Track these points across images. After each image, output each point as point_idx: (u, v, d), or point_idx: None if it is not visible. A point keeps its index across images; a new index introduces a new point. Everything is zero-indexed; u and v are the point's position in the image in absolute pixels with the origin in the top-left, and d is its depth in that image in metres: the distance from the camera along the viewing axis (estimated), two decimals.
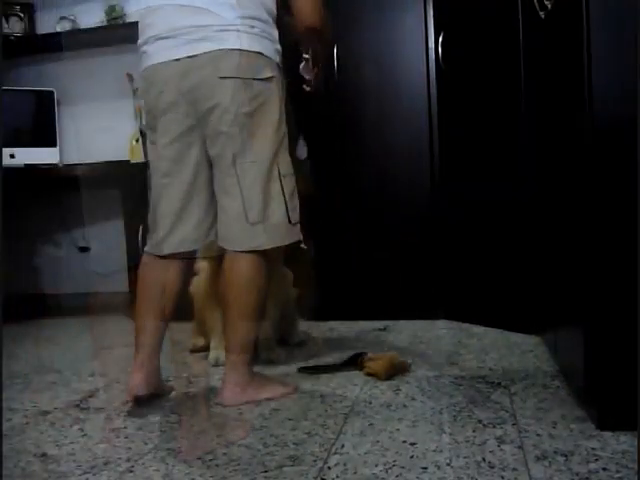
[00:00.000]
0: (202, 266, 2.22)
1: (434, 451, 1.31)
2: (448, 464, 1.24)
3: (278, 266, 2.20)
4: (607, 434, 1.34)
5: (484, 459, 1.25)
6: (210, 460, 1.33)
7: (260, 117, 1.69)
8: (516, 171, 2.39)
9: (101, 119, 3.73)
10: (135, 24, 1.83)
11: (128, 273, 3.33)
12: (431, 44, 2.73)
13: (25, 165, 3.41)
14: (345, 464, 1.27)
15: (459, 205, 2.67)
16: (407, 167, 2.78)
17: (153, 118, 1.76)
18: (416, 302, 2.76)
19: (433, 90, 2.74)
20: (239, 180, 1.68)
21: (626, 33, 1.30)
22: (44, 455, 1.42)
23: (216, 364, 2.12)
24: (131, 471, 1.30)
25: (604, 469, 1.18)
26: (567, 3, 1.46)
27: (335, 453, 1.33)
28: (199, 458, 1.35)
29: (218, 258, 1.89)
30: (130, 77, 3.55)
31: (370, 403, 1.66)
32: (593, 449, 1.27)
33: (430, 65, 2.74)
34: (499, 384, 1.75)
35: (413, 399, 1.67)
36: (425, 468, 1.23)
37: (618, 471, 1.17)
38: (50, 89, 3.61)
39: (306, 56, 1.99)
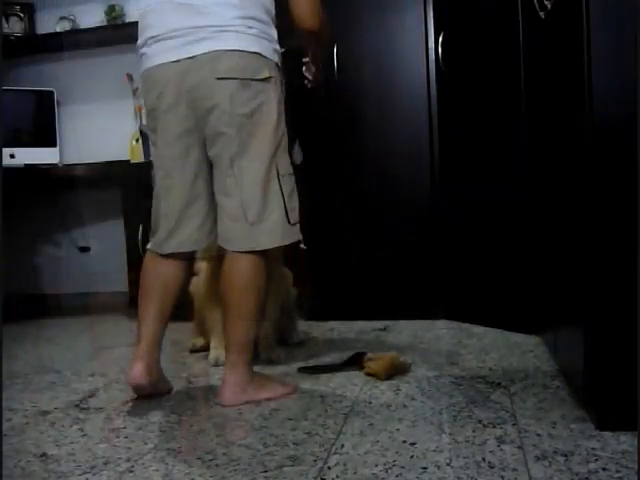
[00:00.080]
0: (202, 266, 2.22)
1: (434, 451, 1.31)
2: (448, 464, 1.24)
3: (278, 266, 2.20)
4: (607, 434, 1.34)
5: (484, 459, 1.25)
6: (210, 460, 1.33)
7: (259, 117, 1.69)
8: (516, 172, 2.39)
9: (101, 119, 3.74)
10: (135, 24, 1.84)
11: (128, 273, 3.33)
12: (431, 44, 2.73)
13: (25, 165, 3.42)
14: (345, 464, 1.27)
15: (459, 205, 2.67)
16: (407, 167, 2.78)
17: (153, 119, 1.77)
18: (416, 302, 2.76)
19: (433, 90, 2.74)
20: (238, 180, 1.69)
21: (626, 33, 1.30)
22: (44, 455, 1.42)
23: (216, 364, 2.12)
24: (131, 471, 1.30)
25: (604, 469, 1.18)
26: (567, 3, 1.46)
27: (335, 453, 1.33)
28: (199, 458, 1.35)
29: (218, 258, 1.90)
30: (130, 77, 3.55)
31: (370, 403, 1.66)
32: (593, 449, 1.27)
33: (430, 65, 2.74)
34: (499, 384, 1.75)
35: (413, 399, 1.67)
36: (425, 468, 1.23)
37: (618, 471, 1.17)
38: (50, 89, 3.62)
39: (306, 59, 2.00)
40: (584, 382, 1.43)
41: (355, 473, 1.23)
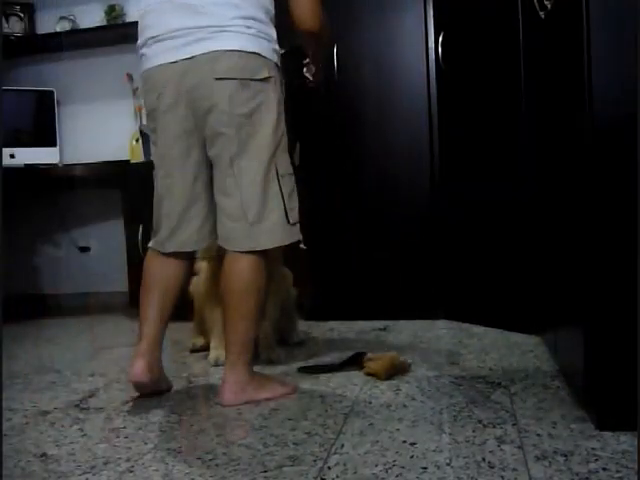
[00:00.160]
0: (202, 266, 2.22)
1: (434, 451, 1.31)
2: (448, 464, 1.24)
3: (278, 266, 2.20)
4: (607, 434, 1.34)
5: (484, 459, 1.25)
6: (210, 460, 1.33)
7: (258, 117, 1.69)
8: (516, 171, 2.39)
9: (101, 119, 3.74)
10: (135, 24, 1.84)
11: (128, 273, 3.33)
12: (431, 44, 2.73)
13: (25, 165, 3.42)
14: (345, 464, 1.27)
15: (459, 205, 2.67)
16: (407, 167, 2.78)
17: (153, 120, 1.78)
18: (416, 302, 2.76)
19: (433, 90, 2.74)
20: (237, 180, 1.69)
21: (626, 33, 1.30)
22: (44, 455, 1.42)
23: (216, 364, 2.12)
24: (131, 471, 1.30)
25: (604, 469, 1.18)
26: (567, 3, 1.46)
27: (335, 453, 1.33)
28: (199, 458, 1.35)
29: (218, 258, 1.90)
30: (130, 77, 3.55)
31: (370, 403, 1.66)
32: (593, 449, 1.27)
33: (430, 65, 2.74)
34: (499, 384, 1.75)
35: (413, 399, 1.67)
36: (425, 468, 1.23)
37: (618, 471, 1.17)
38: (50, 89, 3.62)
39: (306, 60, 2.00)
40: (584, 382, 1.43)
41: (355, 473, 1.23)
